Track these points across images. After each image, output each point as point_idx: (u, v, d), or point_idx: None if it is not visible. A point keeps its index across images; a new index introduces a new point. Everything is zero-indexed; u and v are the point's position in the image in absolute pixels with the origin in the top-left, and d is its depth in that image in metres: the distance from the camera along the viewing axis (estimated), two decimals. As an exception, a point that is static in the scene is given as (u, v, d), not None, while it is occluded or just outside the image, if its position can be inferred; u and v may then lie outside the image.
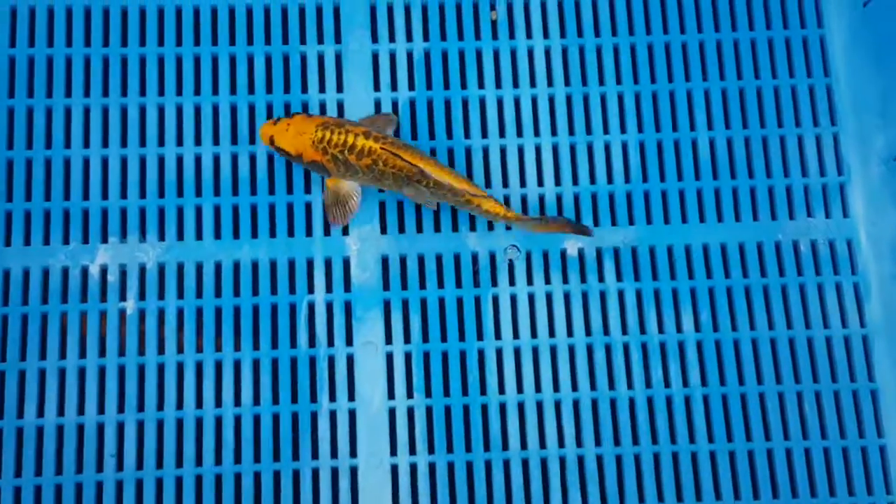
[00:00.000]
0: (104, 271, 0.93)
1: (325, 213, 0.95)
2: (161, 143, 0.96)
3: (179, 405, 0.92)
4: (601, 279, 0.97)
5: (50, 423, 0.90)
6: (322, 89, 0.99)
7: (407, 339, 0.95)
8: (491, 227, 0.97)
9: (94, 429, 0.90)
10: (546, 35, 1.01)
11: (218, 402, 0.92)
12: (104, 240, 0.94)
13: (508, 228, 0.96)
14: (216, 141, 0.97)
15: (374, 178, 0.92)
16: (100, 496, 0.89)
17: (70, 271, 0.93)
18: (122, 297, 0.93)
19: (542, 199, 0.98)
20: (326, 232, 0.96)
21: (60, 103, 0.96)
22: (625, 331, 0.96)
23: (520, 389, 0.94)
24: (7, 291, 0.92)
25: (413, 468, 0.92)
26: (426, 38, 1.01)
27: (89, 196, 0.95)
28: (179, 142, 0.97)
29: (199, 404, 0.92)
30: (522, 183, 0.98)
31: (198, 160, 0.97)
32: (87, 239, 0.94)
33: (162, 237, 0.95)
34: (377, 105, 0.99)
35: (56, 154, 0.95)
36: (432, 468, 0.92)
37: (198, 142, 0.97)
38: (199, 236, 0.95)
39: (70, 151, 0.95)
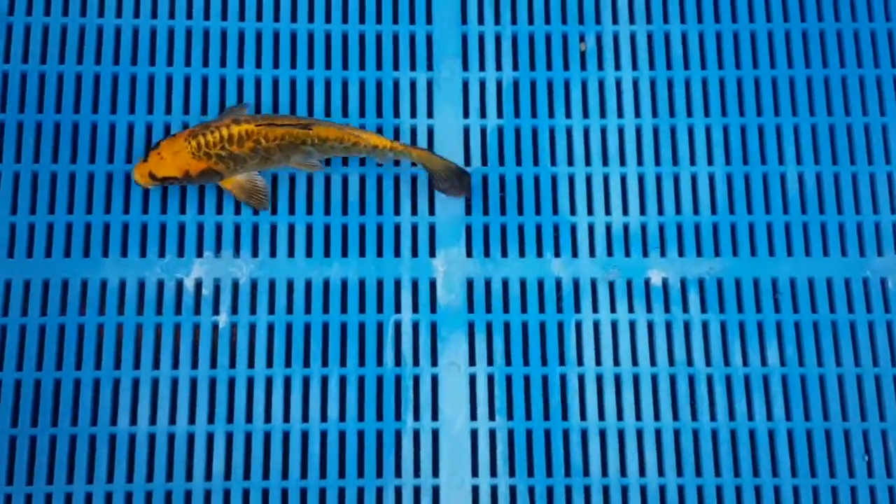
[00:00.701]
0: (199, 285, 0.97)
1: (248, 206, 0.98)
2: (256, 162, 1.00)
3: (268, 418, 0.94)
4: (685, 310, 0.98)
5: (142, 432, 0.93)
6: (413, 114, 1.02)
7: (490, 362, 0.97)
8: (575, 253, 0.99)
9: (184, 439, 0.93)
10: (635, 66, 1.04)
11: (305, 417, 0.95)
12: (199, 254, 0.98)
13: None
14: (309, 162, 1.01)
15: (262, 159, 0.95)
16: (187, 503, 0.92)
17: (165, 284, 0.97)
18: (216, 311, 0.96)
19: (626, 227, 1.00)
20: (414, 254, 0.99)
21: (160, 120, 1.00)
22: (709, 362, 0.97)
23: (601, 416, 0.96)
24: (104, 302, 0.96)
25: (494, 490, 0.94)
26: (515, 67, 1.04)
27: (185, 210, 0.98)
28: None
29: (287, 418, 0.94)
30: (608, 211, 1.00)
31: (292, 180, 1.00)
32: (183, 253, 0.98)
33: (255, 253, 0.98)
34: (466, 132, 1.02)
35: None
36: (513, 491, 0.94)
37: (289, 160, 1.00)
38: (290, 254, 0.98)
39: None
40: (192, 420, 0.94)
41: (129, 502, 0.92)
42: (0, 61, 1.00)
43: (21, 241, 0.96)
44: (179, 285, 0.97)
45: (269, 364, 0.96)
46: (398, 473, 0.94)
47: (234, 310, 0.97)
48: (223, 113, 0.98)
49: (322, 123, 0.95)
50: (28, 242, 0.96)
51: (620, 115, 1.03)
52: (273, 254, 0.99)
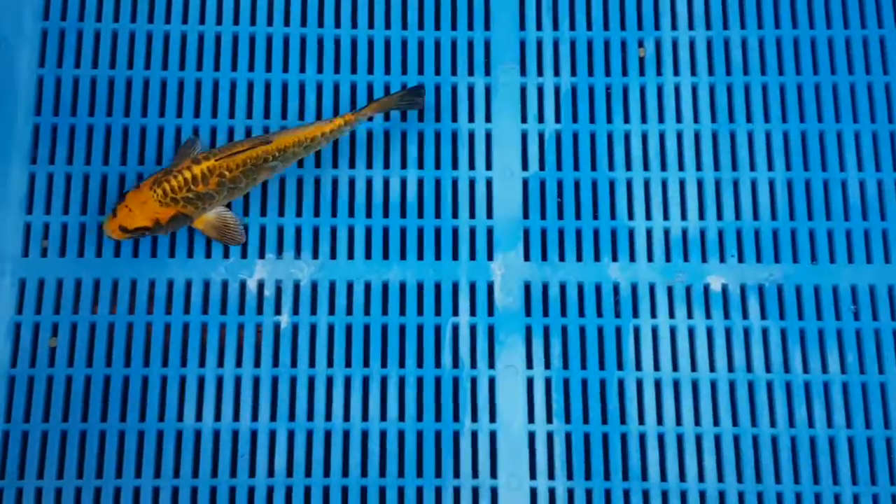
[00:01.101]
0: (261, 286, 1.00)
1: (221, 243, 0.99)
2: (318, 164, 1.03)
3: (328, 417, 0.97)
4: (745, 316, 0.99)
5: (207, 429, 0.96)
6: (471, 119, 1.04)
7: (547, 365, 0.98)
8: (633, 258, 1.00)
9: (247, 435, 0.96)
10: (693, 72, 1.05)
11: (364, 417, 0.97)
12: (262, 255, 1.00)
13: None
14: (369, 164, 1.03)
15: (229, 190, 0.96)
16: (251, 499, 0.94)
17: (229, 284, 0.99)
18: (277, 312, 0.99)
19: (685, 232, 1.01)
20: (472, 257, 1.01)
21: (224, 123, 1.03)
22: (768, 369, 0.97)
23: (660, 421, 0.97)
24: (170, 302, 0.99)
25: (552, 493, 0.95)
26: (574, 72, 1.05)
27: (249, 212, 1.01)
28: (335, 164, 1.03)
29: (347, 417, 0.97)
30: (666, 216, 1.01)
31: (352, 182, 1.02)
32: (246, 254, 1.00)
33: (316, 255, 1.01)
34: (524, 136, 1.03)
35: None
36: (571, 494, 0.95)
37: (352, 164, 1.03)
38: (350, 256, 1.01)
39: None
40: (254, 417, 0.97)
41: (195, 497, 0.94)
42: (71, 66, 1.04)
43: (90, 242, 1.00)
44: (243, 286, 1.00)
45: (330, 364, 0.98)
46: (456, 474, 0.96)
47: (296, 310, 0.99)
48: (178, 154, 0.98)
49: (277, 133, 0.96)
50: (97, 243, 1.00)
51: (679, 119, 1.04)
52: (333, 256, 1.01)
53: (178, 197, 0.94)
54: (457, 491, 0.95)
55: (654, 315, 0.99)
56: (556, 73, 1.05)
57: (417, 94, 1.01)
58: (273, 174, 0.98)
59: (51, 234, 0.99)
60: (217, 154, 0.95)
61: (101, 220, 0.97)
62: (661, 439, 0.96)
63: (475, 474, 0.96)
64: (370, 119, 1.02)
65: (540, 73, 1.05)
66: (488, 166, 1.03)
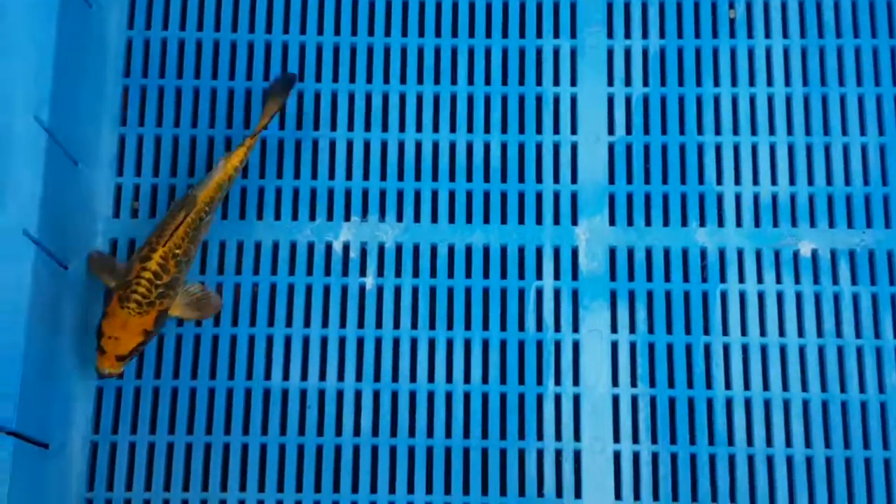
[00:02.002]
0: (346, 248, 1.02)
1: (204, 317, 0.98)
2: (402, 128, 1.05)
3: (413, 378, 1.00)
4: (835, 281, 0.99)
5: (294, 388, 0.99)
6: (556, 83, 1.06)
7: (632, 330, 1.00)
8: (721, 223, 1.01)
9: (333, 395, 0.99)
10: (785, 35, 1.05)
11: (449, 378, 1.00)
12: (347, 218, 1.03)
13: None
14: (453, 128, 1.05)
15: (188, 261, 0.95)
16: (338, 458, 0.98)
17: (315, 246, 1.02)
18: (363, 274, 1.02)
19: (775, 197, 1.02)
20: (556, 221, 1.02)
21: (311, 88, 1.06)
22: (859, 334, 0.98)
23: (747, 386, 0.98)
24: (258, 262, 1.02)
25: (636, 456, 0.97)
26: (662, 35, 1.06)
27: (335, 176, 1.04)
28: (419, 128, 1.05)
29: (431, 378, 1.00)
30: (755, 181, 1.02)
31: (435, 146, 1.05)
32: (332, 216, 1.03)
33: (400, 218, 1.03)
34: (610, 100, 1.05)
35: (305, 135, 1.05)
36: (655, 458, 0.97)
37: (435, 128, 1.05)
38: (434, 219, 1.03)
39: (318, 133, 1.05)
40: (340, 378, 1.00)
41: (282, 455, 0.98)
42: (160, 28, 1.07)
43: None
44: (328, 248, 1.03)
45: (414, 326, 1.01)
46: (540, 437, 0.98)
47: (381, 272, 1.02)
48: (109, 266, 0.96)
49: (197, 188, 0.95)
50: (187, 204, 1.04)
51: (770, 83, 1.04)
52: (417, 219, 1.03)
53: (152, 299, 0.93)
54: (540, 453, 0.98)
55: (742, 280, 1.00)
56: (644, 35, 1.06)
57: (288, 82, 1.01)
58: (210, 226, 0.98)
59: (141, 195, 1.03)
60: (154, 242, 0.94)
61: (95, 366, 0.94)
62: (747, 404, 0.98)
63: (558, 437, 0.98)
64: (266, 128, 1.01)
65: (627, 35, 1.06)
66: (573, 130, 1.05)
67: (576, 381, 0.99)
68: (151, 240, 0.95)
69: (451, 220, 1.04)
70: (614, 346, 1.00)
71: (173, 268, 0.94)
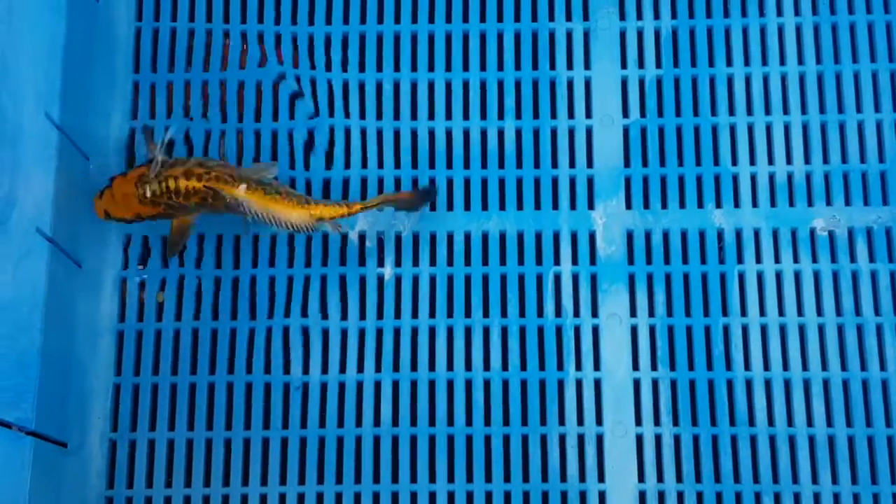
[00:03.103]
0: (362, 238, 1.03)
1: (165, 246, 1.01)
2: (414, 116, 1.06)
3: (432, 367, 1.01)
4: (853, 259, 1.01)
5: (314, 380, 1.00)
6: (570, 66, 1.07)
7: (651, 313, 1.01)
8: (737, 203, 1.03)
9: (353, 386, 1.00)
10: (797, 12, 1.07)
11: (468, 366, 1.01)
12: (362, 208, 1.04)
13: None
14: (466, 115, 1.06)
15: (207, 210, 0.97)
16: (359, 449, 0.99)
17: (330, 236, 1.03)
18: (380, 264, 1.03)
19: (790, 176, 1.03)
20: (572, 206, 1.04)
21: (323, 77, 1.07)
22: (878, 312, 1.00)
23: (766, 367, 1.00)
24: (274, 254, 1.03)
25: (658, 439, 0.99)
26: (674, 15, 1.07)
27: (350, 165, 1.05)
28: (431, 116, 1.06)
29: (451, 366, 1.01)
30: (770, 161, 1.04)
31: (449, 133, 1.06)
32: (347, 206, 1.04)
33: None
34: (623, 83, 1.05)
35: (320, 124, 1.06)
36: (677, 440, 0.99)
37: (448, 116, 1.06)
38: (450, 207, 1.04)
39: (332, 121, 1.06)
40: (360, 369, 1.01)
41: (303, 448, 1.00)
42: (168, 19, 1.07)
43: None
44: (344, 238, 1.03)
45: (432, 314, 1.02)
46: (562, 422, 1.00)
47: (398, 262, 1.03)
48: (178, 161, 0.98)
49: (273, 194, 0.95)
50: (200, 197, 1.04)
51: (783, 62, 1.06)
52: (433, 207, 1.04)
53: (160, 202, 0.96)
54: (562, 438, 0.99)
55: (759, 261, 1.02)
56: (657, 16, 1.07)
57: (428, 194, 1.02)
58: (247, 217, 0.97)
59: (154, 190, 1.04)
60: (210, 179, 0.95)
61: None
62: (767, 385, 1.00)
63: (580, 422, 1.00)
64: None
65: (640, 16, 1.07)
66: (588, 114, 1.06)
67: (596, 366, 1.01)
68: (213, 174, 0.95)
69: (467, 207, 1.05)
70: (634, 330, 1.02)
71: (192, 203, 0.95)
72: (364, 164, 1.06)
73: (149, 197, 0.96)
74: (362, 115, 1.06)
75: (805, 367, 1.00)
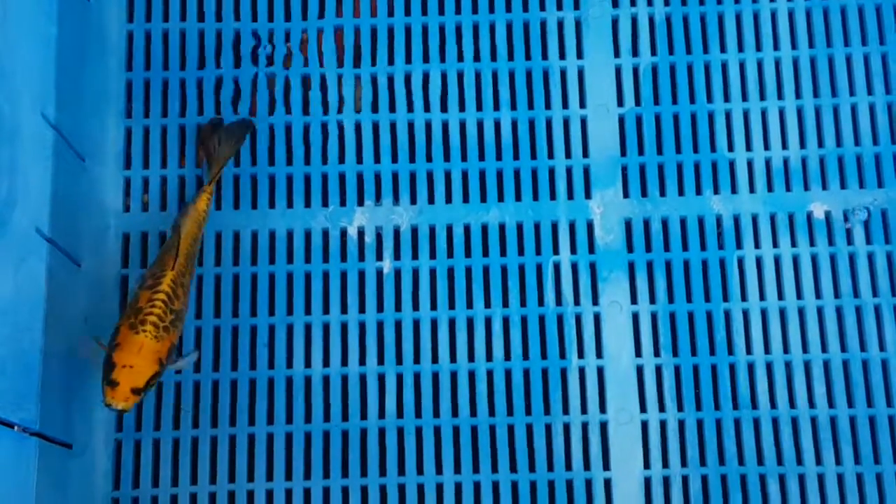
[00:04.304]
0: (361, 233, 1.05)
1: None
2: (410, 109, 1.08)
3: (434, 359, 1.03)
4: (850, 242, 1.03)
5: (316, 374, 1.02)
6: (562, 56, 1.09)
7: (652, 300, 1.04)
8: (735, 189, 1.05)
9: (356, 379, 1.02)
10: (789, -2, 1.09)
11: (471, 357, 1.03)
12: (360, 203, 1.06)
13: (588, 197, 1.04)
14: (462, 107, 1.08)
15: (186, 301, 0.94)
16: (364, 442, 1.01)
17: (330, 232, 1.05)
18: (379, 258, 1.05)
19: (786, 161, 1.06)
20: (570, 196, 1.06)
21: (316, 72, 1.08)
22: (875, 293, 1.02)
23: (767, 350, 1.02)
24: (273, 251, 1.05)
25: (663, 424, 1.01)
26: (667, 2, 1.10)
27: (345, 160, 1.06)
28: (427, 108, 1.08)
29: (454, 359, 1.03)
30: (766, 146, 1.06)
31: (445, 126, 1.08)
32: (345, 202, 1.06)
33: (414, 200, 1.06)
34: (618, 71, 1.08)
35: (314, 120, 1.08)
36: (681, 425, 1.01)
37: (444, 108, 1.08)
38: (448, 200, 1.06)
39: (327, 117, 1.08)
40: (362, 362, 1.03)
41: (308, 442, 1.01)
42: (160, 20, 1.09)
43: (191, 195, 1.05)
44: (343, 234, 1.05)
45: (434, 307, 1.04)
46: (566, 410, 1.02)
47: (397, 256, 1.05)
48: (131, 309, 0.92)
49: (180, 228, 0.95)
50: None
51: (776, 47, 1.08)
52: (431, 200, 1.06)
53: (167, 323, 0.90)
54: (566, 427, 1.01)
55: (757, 245, 1.04)
56: (649, 2, 1.10)
57: (245, 127, 1.04)
58: (195, 270, 0.98)
59: (150, 188, 1.06)
60: (162, 270, 0.92)
61: (103, 399, 0.88)
62: (769, 368, 1.02)
63: (584, 410, 1.02)
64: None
65: (633, 3, 1.10)
66: (582, 104, 1.08)
67: (599, 354, 1.03)
68: (154, 272, 0.93)
69: (466, 199, 1.07)
70: (635, 318, 1.04)
71: (181, 295, 0.92)
72: (360, 159, 1.08)
73: (159, 327, 0.89)
74: (358, 109, 1.09)
75: (805, 349, 1.03)
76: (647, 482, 1.00)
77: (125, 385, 0.88)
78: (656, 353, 1.03)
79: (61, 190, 0.97)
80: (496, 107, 1.08)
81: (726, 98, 1.08)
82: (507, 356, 1.03)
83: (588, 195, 1.06)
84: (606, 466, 1.01)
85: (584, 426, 1.02)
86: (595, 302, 1.04)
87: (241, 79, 1.08)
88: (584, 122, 1.08)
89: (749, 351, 1.02)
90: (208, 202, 0.99)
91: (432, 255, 1.05)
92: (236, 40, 1.09)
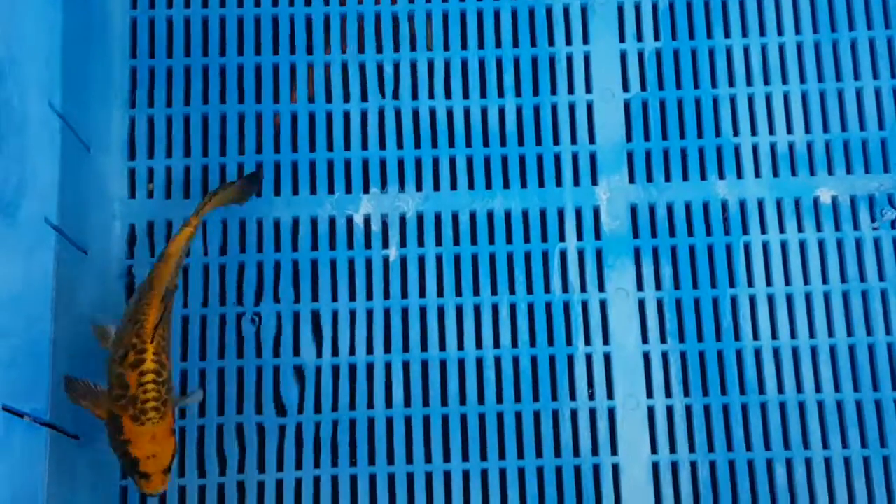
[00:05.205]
0: (367, 220, 1.07)
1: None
2: (415, 96, 1.10)
3: (442, 347, 1.05)
4: (856, 227, 1.06)
5: (326, 363, 1.05)
6: (568, 42, 1.11)
7: (658, 286, 1.06)
8: (740, 174, 1.08)
9: (364, 368, 1.05)
10: (794, -18, 1.12)
11: (478, 344, 1.05)
12: (366, 190, 1.08)
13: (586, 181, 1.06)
14: (466, 94, 1.11)
15: (169, 343, 0.94)
16: (371, 431, 1.03)
17: (336, 220, 1.07)
18: (385, 245, 1.07)
19: (791, 146, 1.08)
20: (576, 182, 1.08)
21: (321, 59, 1.11)
22: (882, 278, 1.05)
23: (774, 336, 1.05)
24: (278, 239, 1.07)
25: (670, 410, 1.04)
26: (671, -12, 1.12)
27: (350, 147, 1.09)
28: (431, 95, 1.10)
29: (461, 346, 1.05)
30: (771, 131, 1.09)
31: (450, 112, 1.10)
32: (351, 189, 1.08)
33: (419, 188, 1.09)
34: (623, 57, 1.10)
35: (318, 108, 1.10)
36: (689, 411, 1.04)
37: (448, 95, 1.10)
38: (454, 187, 1.09)
39: (331, 105, 1.10)
40: (370, 350, 1.05)
41: (318, 431, 1.03)
42: (164, 6, 1.11)
43: (196, 183, 1.08)
44: (350, 221, 1.08)
45: (440, 294, 1.07)
46: (573, 397, 1.04)
47: (403, 243, 1.08)
48: (91, 393, 0.91)
49: (152, 279, 0.94)
50: (202, 183, 1.08)
51: (780, 32, 1.11)
52: (436, 187, 1.09)
53: (165, 396, 0.90)
54: (574, 413, 1.04)
55: (763, 231, 1.07)
56: (653, -11, 1.13)
57: (253, 180, 1.04)
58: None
59: (156, 177, 1.08)
60: (140, 339, 0.90)
61: (140, 489, 0.90)
62: (776, 353, 1.05)
63: (591, 396, 1.04)
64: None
65: (637, -10, 1.12)
66: (588, 89, 1.10)
67: (605, 340, 1.06)
68: (132, 341, 0.91)
69: (471, 186, 1.09)
70: (641, 304, 1.06)
71: (166, 359, 0.92)
72: (364, 146, 1.10)
73: (160, 409, 0.89)
74: (363, 97, 1.11)
75: (812, 334, 1.05)
76: (655, 467, 1.03)
77: (156, 472, 0.90)
78: (663, 340, 1.05)
79: (68, 179, 0.99)
80: (501, 93, 1.11)
81: (731, 83, 1.10)
82: (514, 343, 1.06)
83: (594, 181, 1.09)
84: (614, 452, 1.03)
85: (592, 412, 1.04)
86: (601, 289, 1.07)
87: (246, 66, 1.10)
88: (589, 107, 1.10)
89: (756, 336, 1.05)
90: (192, 234, 0.97)
91: (438, 243, 1.08)
92: (240, 27, 1.12)
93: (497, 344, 1.06)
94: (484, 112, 1.11)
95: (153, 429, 0.90)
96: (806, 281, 1.06)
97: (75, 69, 1.02)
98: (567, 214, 1.08)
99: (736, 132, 1.09)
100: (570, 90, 1.11)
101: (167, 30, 1.11)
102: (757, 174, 1.08)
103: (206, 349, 1.05)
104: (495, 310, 1.07)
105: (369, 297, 1.07)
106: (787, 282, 1.06)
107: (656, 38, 1.11)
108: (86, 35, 1.06)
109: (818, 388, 1.04)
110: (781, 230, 1.07)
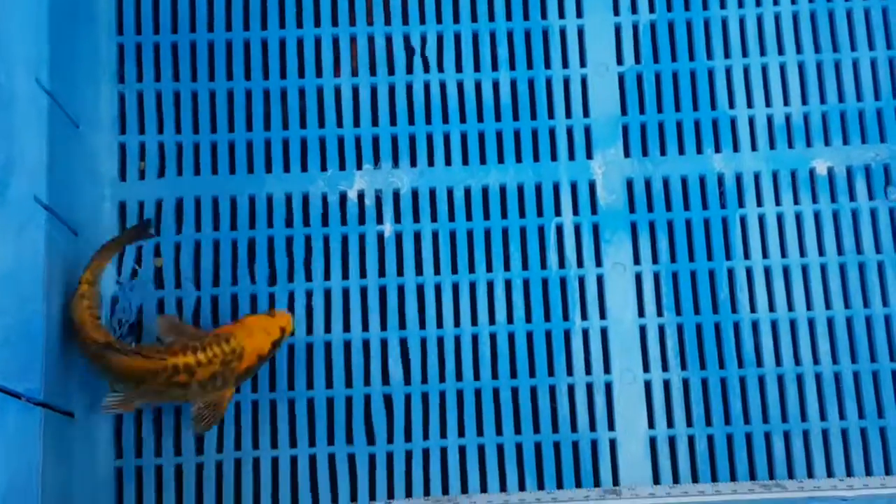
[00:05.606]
0: (361, 196, 1.08)
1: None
2: (409, 71, 1.10)
3: (439, 324, 1.06)
4: (852, 198, 1.07)
5: (318, 341, 1.05)
6: (561, 15, 1.12)
7: (655, 260, 1.07)
8: (736, 147, 1.08)
9: (359, 345, 1.05)
10: (789, -48, 1.12)
11: (474, 321, 1.06)
12: (359, 166, 1.08)
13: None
14: (459, 68, 1.11)
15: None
16: (368, 408, 1.04)
17: (329, 196, 1.07)
18: (380, 221, 1.07)
19: (788, 118, 1.09)
20: (571, 157, 1.09)
21: (311, 34, 1.10)
22: (878, 249, 1.06)
23: (771, 308, 1.06)
24: (271, 216, 1.07)
25: (667, 384, 1.05)
26: (666, -41, 1.12)
27: (342, 124, 1.09)
28: (425, 69, 1.10)
29: (457, 323, 1.06)
30: (768, 103, 1.10)
31: (443, 87, 1.10)
32: (344, 166, 1.08)
33: (413, 163, 1.09)
34: (617, 29, 1.10)
35: (309, 83, 1.10)
36: (686, 384, 1.04)
37: (440, 68, 1.11)
38: (448, 162, 1.09)
39: (322, 80, 1.10)
40: (365, 328, 1.06)
41: (311, 409, 1.04)
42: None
43: (188, 161, 1.08)
44: (343, 198, 1.08)
45: (437, 271, 1.07)
46: (570, 372, 1.05)
47: (398, 219, 1.08)
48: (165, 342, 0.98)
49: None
50: (194, 162, 1.08)
51: (776, 2, 1.11)
52: (431, 163, 1.09)
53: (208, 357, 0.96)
54: (571, 388, 1.05)
55: (760, 203, 1.08)
56: (647, -39, 1.13)
57: (145, 227, 1.05)
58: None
59: (147, 156, 1.08)
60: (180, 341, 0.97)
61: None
62: (773, 326, 1.06)
63: (588, 371, 1.05)
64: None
65: (630, -38, 1.13)
66: (582, 63, 1.11)
67: (602, 315, 1.06)
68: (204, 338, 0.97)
69: (465, 162, 1.09)
70: (638, 278, 1.07)
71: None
72: (357, 123, 1.10)
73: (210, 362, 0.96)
74: (354, 73, 1.11)
75: (809, 306, 1.06)
76: (653, 442, 1.03)
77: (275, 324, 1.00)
78: (659, 313, 1.06)
79: (57, 157, 0.99)
80: (494, 67, 1.11)
81: (727, 55, 1.10)
82: (511, 319, 1.06)
83: (589, 155, 1.09)
84: (612, 427, 1.04)
85: (589, 387, 1.05)
86: (598, 263, 1.07)
87: (234, 42, 1.10)
88: (584, 81, 1.10)
89: (753, 309, 1.06)
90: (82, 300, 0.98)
91: (433, 219, 1.08)
92: (227, 2, 1.11)
93: (493, 320, 1.06)
94: (478, 86, 1.11)
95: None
96: (803, 253, 1.07)
97: (62, 45, 1.02)
98: (562, 189, 1.09)
99: (732, 104, 1.10)
100: (565, 64, 1.11)
101: (153, 4, 1.10)
102: (753, 147, 1.09)
103: (200, 327, 1.04)
104: (491, 286, 1.07)
105: (363, 274, 1.07)
106: (784, 254, 1.07)
107: (651, 9, 1.11)
108: (72, 11, 1.05)
109: (816, 361, 1.05)
110: (778, 203, 1.08)
